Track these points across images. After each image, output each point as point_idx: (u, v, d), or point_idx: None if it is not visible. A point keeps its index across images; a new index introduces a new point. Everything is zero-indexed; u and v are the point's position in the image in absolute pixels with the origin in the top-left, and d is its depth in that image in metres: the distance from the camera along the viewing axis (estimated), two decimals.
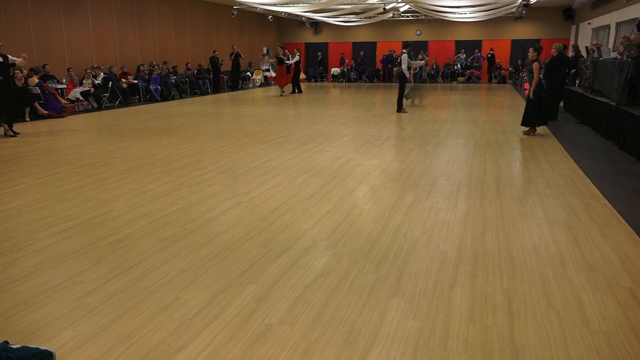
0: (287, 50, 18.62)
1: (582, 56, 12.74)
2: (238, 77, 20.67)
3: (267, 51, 25.47)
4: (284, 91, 17.83)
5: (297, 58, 18.03)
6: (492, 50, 23.66)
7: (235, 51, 19.78)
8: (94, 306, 2.89)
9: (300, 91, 18.43)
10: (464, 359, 2.38)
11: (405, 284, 3.15)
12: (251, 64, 23.01)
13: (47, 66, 13.12)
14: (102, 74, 14.03)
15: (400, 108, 12.37)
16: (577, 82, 11.91)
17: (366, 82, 25.10)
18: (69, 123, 10.87)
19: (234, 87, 20.45)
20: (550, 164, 6.52)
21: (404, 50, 12.40)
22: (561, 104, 12.65)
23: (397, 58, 12.92)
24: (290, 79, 18.05)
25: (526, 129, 9.04)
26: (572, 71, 12.53)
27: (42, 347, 2.36)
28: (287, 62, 17.53)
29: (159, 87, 16.02)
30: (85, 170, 6.40)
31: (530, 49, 8.98)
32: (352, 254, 3.62)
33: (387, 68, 24.27)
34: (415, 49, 23.31)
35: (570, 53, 13.86)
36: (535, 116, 8.79)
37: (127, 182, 5.79)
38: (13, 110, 9.17)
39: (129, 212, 4.66)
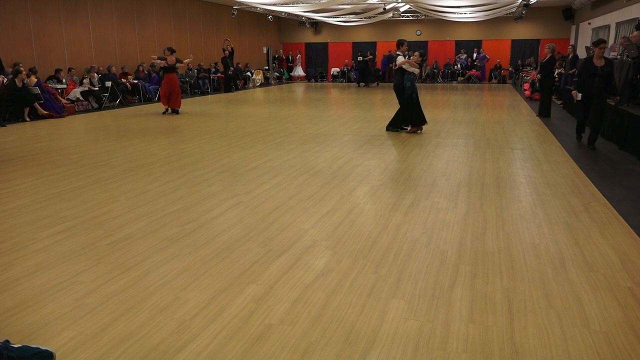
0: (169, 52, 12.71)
1: (577, 56, 12.75)
2: (236, 77, 19.77)
3: (267, 51, 25.46)
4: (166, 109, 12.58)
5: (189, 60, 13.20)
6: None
7: (231, 47, 18.29)
8: (94, 306, 2.89)
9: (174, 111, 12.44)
10: (464, 359, 2.38)
11: (405, 284, 3.15)
12: (248, 64, 22.97)
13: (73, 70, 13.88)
14: (96, 75, 13.97)
15: (394, 126, 9.41)
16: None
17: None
18: (69, 123, 10.87)
19: (227, 88, 18.91)
20: (550, 164, 6.52)
21: (398, 52, 9.28)
22: (559, 103, 12.67)
23: (394, 58, 9.45)
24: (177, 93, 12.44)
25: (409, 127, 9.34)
26: (572, 70, 12.54)
27: (43, 347, 2.36)
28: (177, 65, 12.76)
29: (159, 87, 16.01)
30: (85, 170, 6.40)
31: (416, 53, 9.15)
32: (352, 254, 3.62)
33: (387, 68, 24.24)
34: (416, 49, 23.24)
35: (569, 54, 13.89)
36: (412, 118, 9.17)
37: (127, 182, 5.79)
38: None
39: (129, 212, 4.66)
